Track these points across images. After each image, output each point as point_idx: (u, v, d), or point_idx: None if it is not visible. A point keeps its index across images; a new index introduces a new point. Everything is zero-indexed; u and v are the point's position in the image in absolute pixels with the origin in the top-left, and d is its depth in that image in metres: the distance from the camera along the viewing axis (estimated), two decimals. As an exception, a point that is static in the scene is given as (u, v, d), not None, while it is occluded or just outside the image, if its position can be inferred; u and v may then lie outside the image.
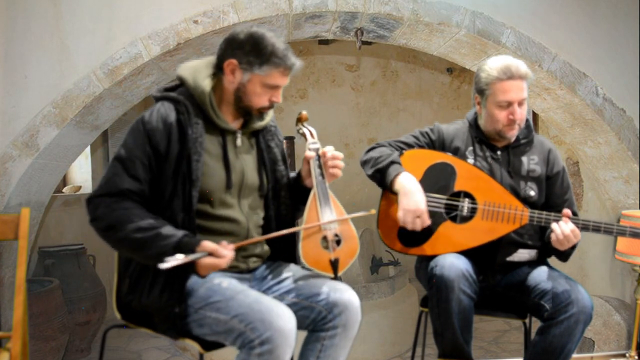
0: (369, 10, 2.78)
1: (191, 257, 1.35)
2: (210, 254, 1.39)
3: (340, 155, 1.65)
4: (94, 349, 3.92)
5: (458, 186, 1.90)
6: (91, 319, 3.79)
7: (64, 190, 4.63)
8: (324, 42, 5.66)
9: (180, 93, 1.56)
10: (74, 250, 3.84)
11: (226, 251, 1.41)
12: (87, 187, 4.80)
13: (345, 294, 1.53)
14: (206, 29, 2.68)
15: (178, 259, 1.33)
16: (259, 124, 1.65)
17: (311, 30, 3.03)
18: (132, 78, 2.76)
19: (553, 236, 1.78)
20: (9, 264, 2.77)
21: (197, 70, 1.57)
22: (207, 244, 1.39)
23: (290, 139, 4.56)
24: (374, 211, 1.67)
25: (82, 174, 4.94)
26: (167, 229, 1.41)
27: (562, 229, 1.76)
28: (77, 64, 2.67)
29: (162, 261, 1.32)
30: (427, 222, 1.82)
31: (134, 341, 4.09)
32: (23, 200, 2.76)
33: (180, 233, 1.41)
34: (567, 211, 1.79)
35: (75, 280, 3.75)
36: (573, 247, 1.84)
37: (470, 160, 1.95)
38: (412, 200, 1.80)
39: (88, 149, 4.71)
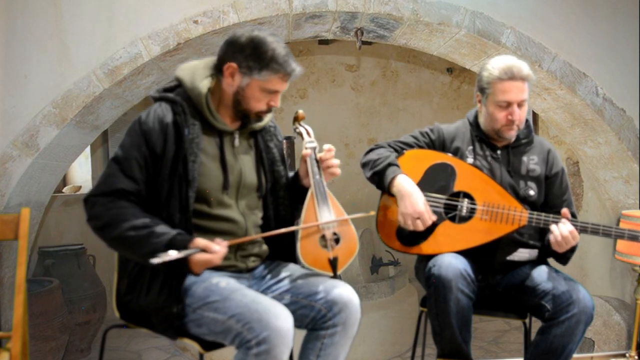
0: (369, 10, 2.78)
1: (183, 253, 1.36)
2: (203, 250, 1.40)
3: (331, 155, 1.64)
4: (94, 349, 3.92)
5: (458, 186, 1.90)
6: (91, 319, 3.79)
7: (64, 190, 4.63)
8: (324, 42, 5.66)
9: (178, 94, 1.56)
10: (74, 250, 3.84)
11: (218, 247, 1.41)
12: (87, 187, 4.80)
13: (344, 292, 1.53)
14: (206, 29, 2.68)
15: (170, 255, 1.33)
16: (258, 125, 1.65)
17: (311, 30, 3.03)
18: (132, 78, 2.76)
19: (552, 238, 1.78)
20: (9, 264, 2.77)
21: (195, 72, 1.57)
22: (200, 241, 1.40)
23: (289, 139, 4.56)
24: (373, 212, 1.66)
25: (82, 174, 4.94)
26: (161, 228, 1.42)
27: (561, 230, 1.76)
28: (77, 64, 2.67)
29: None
30: (428, 222, 1.82)
31: (134, 341, 4.09)
32: (23, 200, 2.76)
33: (173, 231, 1.42)
34: (565, 211, 1.79)
35: (75, 280, 3.74)
36: (572, 251, 1.84)
37: (470, 160, 1.95)
38: (410, 202, 1.81)
39: (88, 149, 4.71)
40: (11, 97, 2.63)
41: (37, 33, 2.65)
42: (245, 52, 1.50)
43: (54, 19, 2.66)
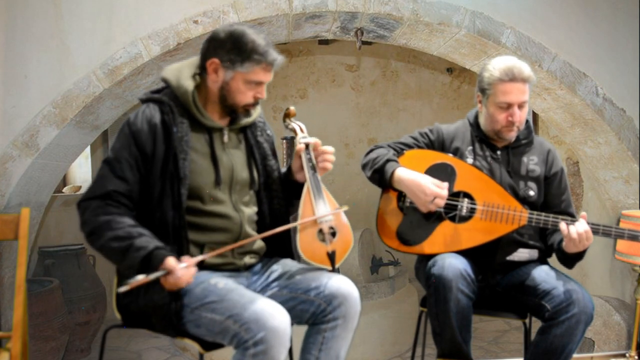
0: (369, 10, 2.78)
1: (150, 277, 1.35)
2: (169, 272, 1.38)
3: (331, 149, 1.67)
4: (94, 349, 3.92)
5: (458, 186, 1.90)
6: (91, 319, 3.79)
7: (64, 190, 4.63)
8: (324, 42, 5.66)
9: (165, 94, 1.58)
10: (74, 250, 3.84)
11: (182, 272, 1.38)
12: (87, 187, 4.79)
13: (343, 285, 1.54)
14: (206, 29, 2.68)
15: (138, 279, 1.33)
16: (247, 120, 1.66)
17: (311, 30, 3.03)
18: (132, 78, 2.76)
19: (565, 234, 1.75)
20: (9, 264, 2.77)
21: (180, 71, 1.59)
22: (169, 263, 1.37)
23: (287, 139, 4.56)
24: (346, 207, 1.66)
25: (82, 174, 4.94)
26: (141, 240, 1.40)
27: (577, 227, 1.74)
28: (77, 64, 2.67)
29: (133, 273, 1.35)
30: (444, 196, 1.82)
31: (134, 341, 4.09)
32: (23, 200, 2.76)
33: (151, 245, 1.40)
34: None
35: (75, 280, 3.74)
36: (580, 256, 1.83)
37: (470, 160, 1.95)
38: (420, 191, 1.82)
39: (88, 149, 4.71)
40: (11, 97, 2.63)
41: (37, 33, 2.65)
42: (226, 47, 1.52)
43: (54, 19, 2.66)
